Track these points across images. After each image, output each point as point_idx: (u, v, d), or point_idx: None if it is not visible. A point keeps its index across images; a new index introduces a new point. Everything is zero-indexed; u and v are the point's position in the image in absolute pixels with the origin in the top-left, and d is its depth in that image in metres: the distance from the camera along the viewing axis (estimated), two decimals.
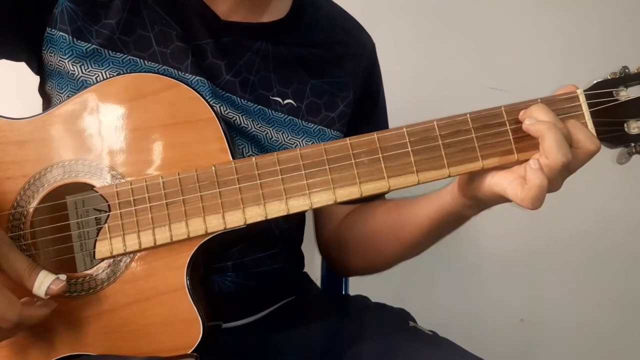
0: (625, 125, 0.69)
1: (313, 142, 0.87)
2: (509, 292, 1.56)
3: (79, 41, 0.78)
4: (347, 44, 0.92)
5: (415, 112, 1.42)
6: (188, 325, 0.68)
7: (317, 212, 0.99)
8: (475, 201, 0.73)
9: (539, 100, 0.68)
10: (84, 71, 0.78)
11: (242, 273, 0.85)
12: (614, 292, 1.60)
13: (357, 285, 1.09)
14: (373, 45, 0.98)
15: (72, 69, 0.78)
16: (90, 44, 0.78)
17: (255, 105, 0.83)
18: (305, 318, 0.89)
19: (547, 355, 1.60)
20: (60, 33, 0.78)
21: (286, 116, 0.85)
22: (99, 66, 0.78)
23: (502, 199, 0.69)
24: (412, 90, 1.44)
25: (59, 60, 0.78)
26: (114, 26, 0.79)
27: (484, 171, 0.69)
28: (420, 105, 1.45)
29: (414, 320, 0.86)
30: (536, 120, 0.66)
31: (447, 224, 0.80)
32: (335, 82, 0.89)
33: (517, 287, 1.57)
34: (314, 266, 1.12)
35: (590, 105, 0.68)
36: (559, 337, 1.59)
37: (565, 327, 1.59)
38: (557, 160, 0.64)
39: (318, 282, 1.10)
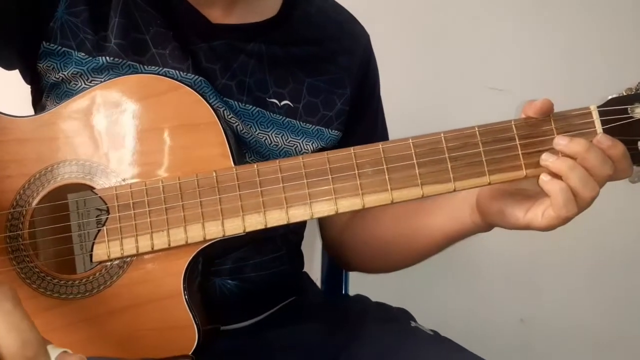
0: (639, 143, 0.67)
1: (312, 142, 0.85)
2: (509, 292, 1.56)
3: (80, 53, 0.77)
4: (339, 38, 0.90)
5: (415, 111, 1.42)
6: (183, 332, 0.67)
7: None
8: (494, 226, 0.74)
9: (551, 117, 0.66)
10: (85, 82, 0.77)
11: (244, 275, 0.84)
12: (614, 292, 1.60)
13: (357, 285, 1.08)
14: (367, 37, 0.95)
15: (74, 81, 0.77)
16: (91, 56, 0.77)
17: (254, 107, 0.82)
18: (305, 319, 0.88)
19: (547, 355, 1.60)
20: (65, 48, 0.77)
21: (284, 118, 0.83)
22: (98, 73, 0.77)
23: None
24: (412, 90, 1.44)
25: (59, 73, 0.77)
26: (108, 34, 0.77)
27: (503, 206, 0.70)
28: (420, 105, 1.45)
29: (415, 320, 0.86)
30: (555, 159, 0.65)
31: (462, 238, 0.80)
32: (330, 79, 0.87)
33: (517, 287, 1.57)
34: (313, 266, 1.12)
35: (603, 122, 0.66)
36: (559, 337, 1.59)
37: (565, 327, 1.58)
38: (562, 214, 0.65)
39: (318, 282, 1.09)
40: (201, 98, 0.70)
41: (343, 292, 1.10)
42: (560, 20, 1.50)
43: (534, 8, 1.50)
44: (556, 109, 0.67)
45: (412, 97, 1.44)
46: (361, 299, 0.95)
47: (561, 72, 1.50)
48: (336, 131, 0.88)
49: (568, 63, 1.51)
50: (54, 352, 0.53)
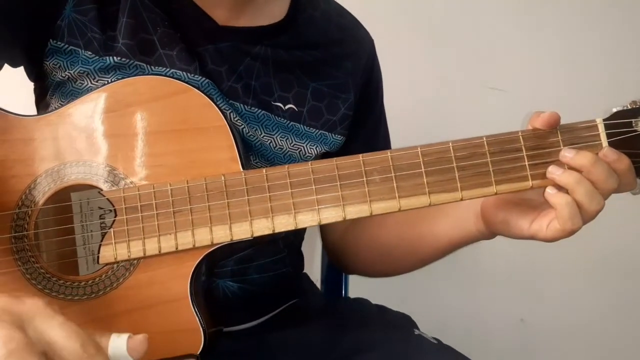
0: None
1: (316, 146, 0.85)
2: (510, 292, 1.57)
3: (87, 52, 0.76)
4: (343, 43, 0.90)
5: (415, 111, 1.42)
6: (189, 335, 0.67)
7: None
8: (498, 235, 0.76)
9: (557, 129, 0.67)
10: (92, 82, 0.76)
11: (246, 277, 0.84)
12: (614, 292, 1.61)
13: (357, 287, 1.09)
14: (371, 41, 0.95)
15: (80, 79, 0.77)
16: (98, 56, 0.76)
17: (260, 110, 0.82)
18: (307, 321, 0.88)
19: (547, 355, 1.61)
20: (72, 47, 0.76)
21: (289, 122, 0.84)
22: (105, 73, 0.76)
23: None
24: (413, 90, 1.43)
25: (65, 71, 0.77)
26: (116, 34, 0.77)
27: (509, 216, 0.71)
28: (420, 104, 1.45)
29: (418, 328, 0.86)
30: (563, 172, 0.66)
31: (466, 245, 0.81)
32: (334, 83, 0.87)
33: (517, 287, 1.57)
34: (314, 268, 1.12)
35: (609, 135, 0.67)
36: (559, 337, 1.60)
37: (565, 327, 1.59)
38: (567, 228, 0.66)
39: (318, 284, 1.09)
40: (210, 101, 0.70)
41: (343, 293, 1.10)
42: (561, 20, 1.50)
43: (534, 8, 1.50)
44: (556, 109, 0.68)
45: (412, 97, 1.44)
46: (362, 302, 0.95)
47: (561, 72, 1.50)
48: (339, 136, 0.88)
49: (568, 63, 1.51)
50: (121, 338, 0.55)
